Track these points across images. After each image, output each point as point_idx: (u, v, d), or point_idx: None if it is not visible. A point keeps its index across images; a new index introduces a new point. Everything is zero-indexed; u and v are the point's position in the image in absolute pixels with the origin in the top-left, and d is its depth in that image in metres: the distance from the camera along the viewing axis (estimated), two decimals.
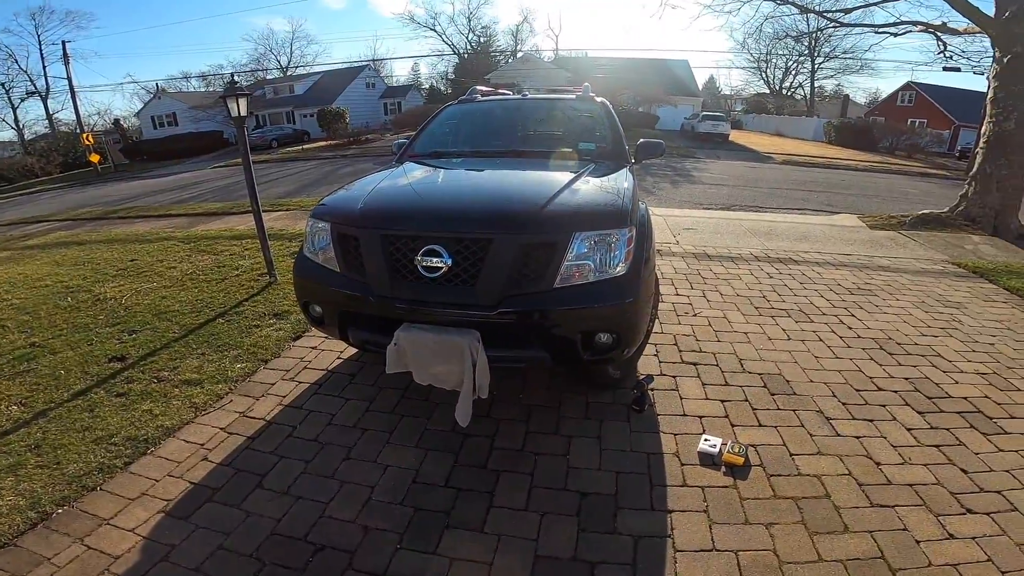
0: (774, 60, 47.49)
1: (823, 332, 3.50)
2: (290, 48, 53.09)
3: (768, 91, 50.96)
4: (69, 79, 27.61)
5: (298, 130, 31.80)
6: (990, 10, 7.87)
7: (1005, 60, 7.63)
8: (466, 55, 45.08)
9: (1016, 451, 2.32)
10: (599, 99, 3.73)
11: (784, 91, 49.90)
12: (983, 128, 7.93)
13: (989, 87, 7.87)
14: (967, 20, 8.26)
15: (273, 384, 2.88)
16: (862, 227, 7.10)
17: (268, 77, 45.61)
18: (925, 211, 7.77)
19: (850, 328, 3.59)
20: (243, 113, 4.64)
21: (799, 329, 3.53)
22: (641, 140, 3.43)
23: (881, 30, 11.19)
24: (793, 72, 48.88)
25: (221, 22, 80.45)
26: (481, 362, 1.94)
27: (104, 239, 7.12)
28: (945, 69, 13.96)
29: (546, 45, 50.44)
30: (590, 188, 2.42)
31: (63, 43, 27.54)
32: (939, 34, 10.21)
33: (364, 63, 43.89)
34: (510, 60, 39.06)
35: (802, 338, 3.40)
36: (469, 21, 45.29)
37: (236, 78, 4.86)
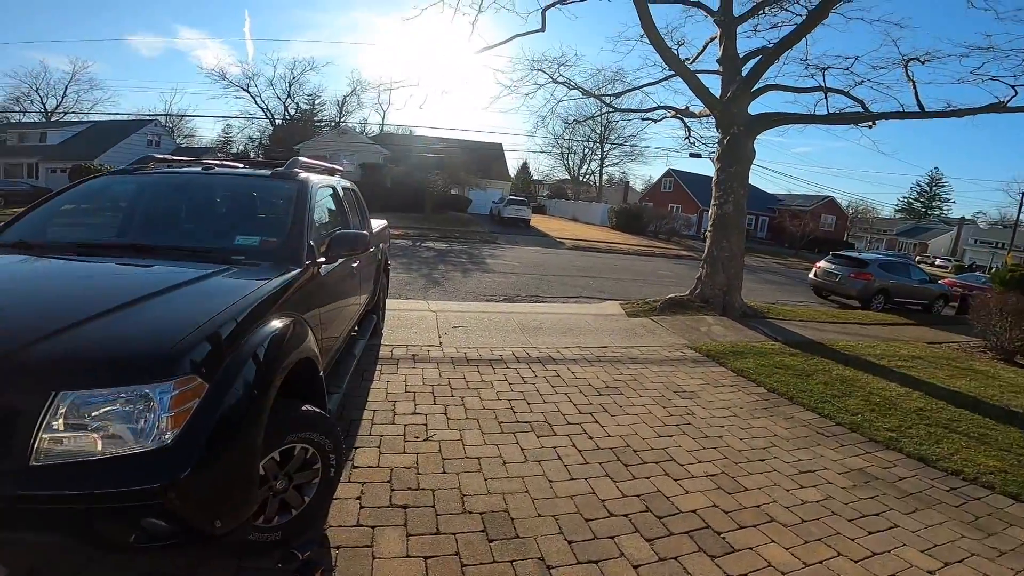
0: (573, 146, 55.64)
1: (563, 447, 3.40)
2: (63, 90, 44.32)
3: (568, 177, 59.12)
4: None
5: (38, 187, 26.53)
6: (719, 92, 9.45)
7: (725, 141, 9.12)
8: (282, 121, 43.28)
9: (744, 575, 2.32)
10: (301, 177, 3.24)
11: (580, 177, 58.47)
12: (711, 212, 9.52)
13: (715, 170, 9.27)
14: (702, 103, 9.83)
15: None
16: (622, 315, 7.89)
17: (23, 120, 37.75)
18: (672, 295, 9.06)
19: (591, 438, 3.57)
20: None
21: (539, 447, 3.37)
22: (337, 232, 3.06)
23: (644, 116, 13.49)
24: (588, 159, 57.76)
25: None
26: None
27: None
28: (691, 155, 17.38)
29: (375, 119, 51.20)
30: (160, 312, 1.84)
31: None
32: (684, 119, 12.62)
33: (149, 117, 39.16)
34: (326, 131, 38.49)
35: (540, 457, 3.23)
36: (290, 87, 44.09)
37: None
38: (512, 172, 48.71)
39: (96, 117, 39.56)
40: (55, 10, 69.38)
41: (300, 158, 3.62)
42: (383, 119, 47.87)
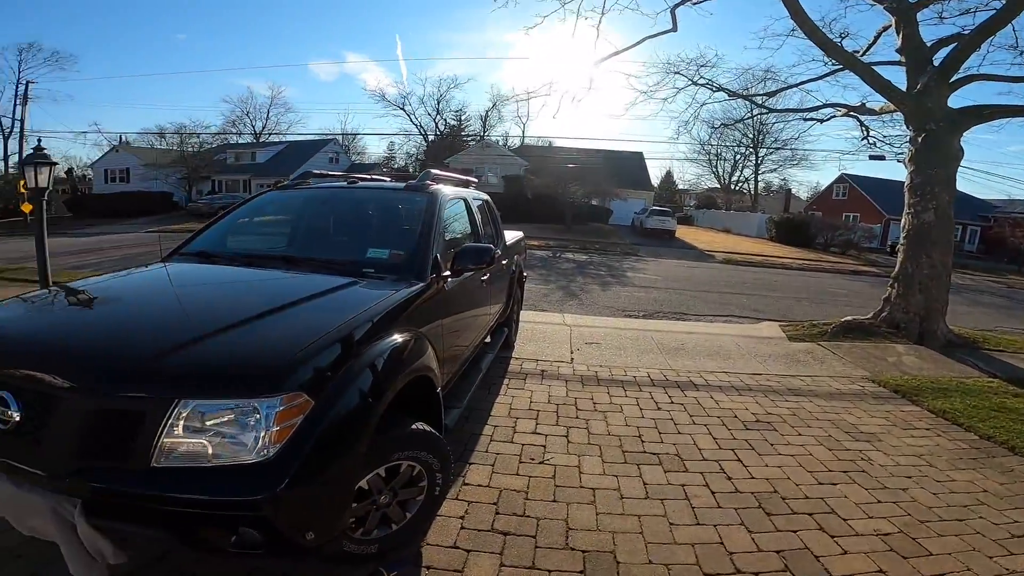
0: (722, 152, 51.65)
1: (694, 486, 2.98)
2: (267, 114, 52.54)
3: (719, 185, 55.00)
4: (22, 120, 27.69)
5: None
6: (904, 85, 8.03)
7: (920, 139, 7.60)
8: (433, 137, 46.50)
9: None
10: (431, 189, 3.31)
11: (733, 185, 53.99)
12: (903, 221, 7.86)
13: (908, 173, 7.79)
14: (883, 98, 8.45)
15: None
16: (781, 338, 6.92)
17: (241, 141, 46.11)
18: (848, 317, 7.72)
19: (729, 479, 3.08)
20: (43, 185, 4.13)
21: (665, 483, 2.99)
22: (465, 246, 3.05)
23: (807, 116, 11.98)
24: (741, 166, 53.13)
25: (206, 79, 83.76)
26: (84, 527, 1.55)
27: None
28: (871, 158, 14.72)
29: (516, 132, 52.81)
30: (280, 327, 1.93)
31: (26, 83, 28.17)
32: (860, 117, 10.88)
33: (330, 136, 44.86)
34: (471, 145, 40.59)
35: (664, 495, 2.86)
36: (438, 104, 46.89)
37: (41, 143, 4.41)
38: (655, 181, 46.69)
39: (292, 137, 46.19)
40: (257, 41, 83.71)
41: (433, 171, 3.72)
42: (523, 131, 49.13)
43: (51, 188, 4.19)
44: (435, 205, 3.12)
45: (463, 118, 48.31)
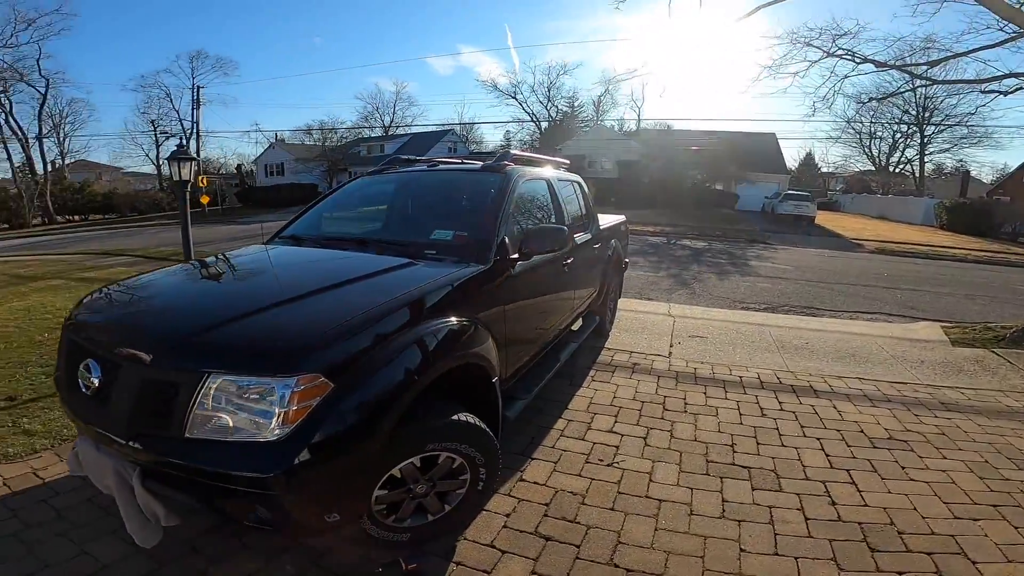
0: (876, 131, 44.67)
1: (784, 509, 2.52)
2: (393, 109, 56.74)
3: (873, 167, 47.79)
4: (196, 123, 33.09)
5: None
6: None
7: None
8: (545, 124, 47.02)
9: None
10: (507, 170, 3.17)
11: (892, 167, 46.57)
12: None
13: None
14: None
15: None
16: (942, 341, 5.76)
17: (373, 135, 50.50)
18: None
19: (833, 504, 2.57)
20: (186, 178, 4.75)
21: (749, 502, 2.57)
22: (531, 227, 2.88)
23: (986, 88, 10.03)
24: (901, 145, 45.69)
25: (340, 77, 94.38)
26: (139, 490, 1.72)
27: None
28: None
29: (631, 115, 51.66)
30: (316, 308, 1.95)
31: (197, 88, 33.53)
32: None
33: (448, 127, 47.41)
34: (583, 131, 40.28)
35: (744, 516, 2.46)
36: (549, 91, 46.94)
37: (183, 143, 5.14)
38: (792, 164, 41.97)
39: (415, 129, 49.03)
40: (381, 39, 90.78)
41: (513, 151, 3.59)
42: (639, 115, 47.39)
43: (192, 181, 4.80)
44: (506, 186, 2.98)
45: (576, 104, 47.97)
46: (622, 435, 3.23)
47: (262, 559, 2.05)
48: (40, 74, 32.66)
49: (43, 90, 33.41)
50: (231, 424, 1.60)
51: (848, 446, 3.21)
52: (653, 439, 3.20)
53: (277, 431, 1.57)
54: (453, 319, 2.12)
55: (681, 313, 6.53)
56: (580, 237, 3.99)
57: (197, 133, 33.31)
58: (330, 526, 1.68)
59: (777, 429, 3.41)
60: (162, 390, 1.69)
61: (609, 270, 4.98)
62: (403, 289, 2.09)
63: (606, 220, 5.39)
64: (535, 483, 2.67)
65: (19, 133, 32.93)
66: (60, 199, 31.55)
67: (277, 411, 1.57)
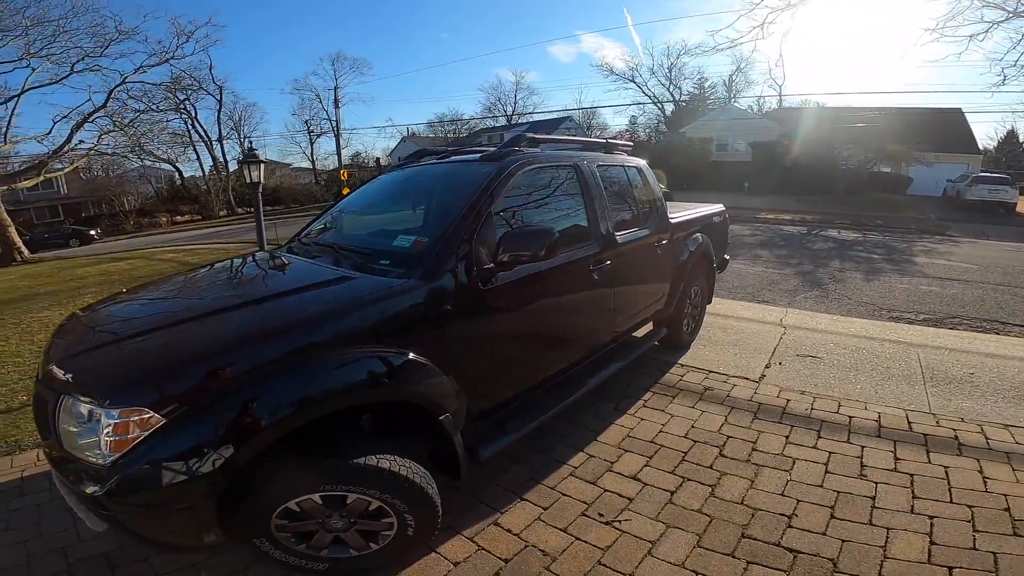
0: None
1: None
2: (514, 98, 57.27)
3: None
4: (336, 121, 36.66)
5: None
6: None
7: None
8: (668, 106, 45.33)
9: None
10: (509, 158, 2.66)
11: None
12: None
13: None
14: None
15: None
16: None
17: (496, 124, 52.15)
18: None
19: None
20: (257, 180, 4.90)
21: None
22: (508, 231, 2.34)
23: None
24: None
25: (465, 68, 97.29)
26: (67, 495, 1.80)
27: None
28: None
29: (770, 93, 46.79)
30: (190, 335, 1.87)
31: (335, 88, 37.08)
32: None
33: (566, 114, 47.56)
34: (710, 110, 38.23)
35: None
36: (670, 72, 44.82)
37: (252, 145, 5.35)
38: (985, 143, 34.22)
39: (536, 118, 49.03)
40: (501, 31, 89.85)
41: (530, 134, 3.09)
42: (780, 92, 42.49)
43: (263, 181, 4.95)
44: (493, 179, 2.47)
45: (705, 85, 45.25)
46: (644, 484, 2.60)
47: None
48: (214, 82, 37.99)
49: (218, 97, 39.21)
50: (78, 443, 1.66)
51: (973, 532, 2.21)
52: (683, 495, 2.51)
53: (107, 458, 1.59)
54: (367, 349, 1.87)
55: (797, 322, 5.32)
56: (629, 235, 3.35)
57: (337, 131, 36.68)
58: (208, 545, 1.71)
59: (873, 498, 2.48)
60: (44, 404, 1.81)
61: (689, 272, 4.13)
62: (299, 314, 1.91)
63: (690, 211, 4.54)
64: (508, 530, 2.25)
65: (204, 136, 39.07)
66: (239, 194, 37.20)
67: (104, 439, 1.59)
